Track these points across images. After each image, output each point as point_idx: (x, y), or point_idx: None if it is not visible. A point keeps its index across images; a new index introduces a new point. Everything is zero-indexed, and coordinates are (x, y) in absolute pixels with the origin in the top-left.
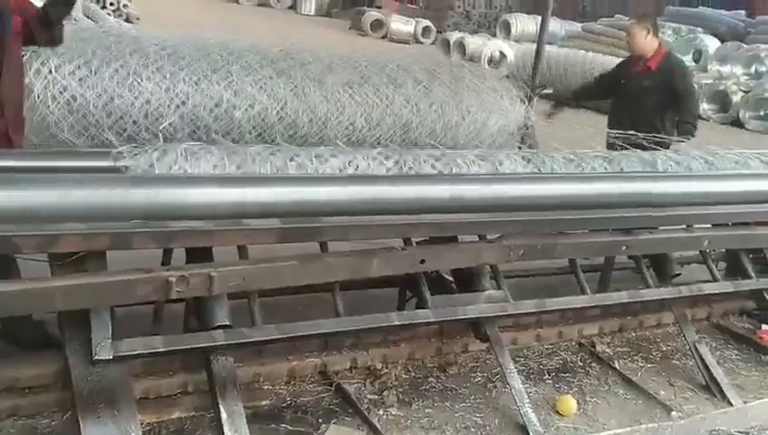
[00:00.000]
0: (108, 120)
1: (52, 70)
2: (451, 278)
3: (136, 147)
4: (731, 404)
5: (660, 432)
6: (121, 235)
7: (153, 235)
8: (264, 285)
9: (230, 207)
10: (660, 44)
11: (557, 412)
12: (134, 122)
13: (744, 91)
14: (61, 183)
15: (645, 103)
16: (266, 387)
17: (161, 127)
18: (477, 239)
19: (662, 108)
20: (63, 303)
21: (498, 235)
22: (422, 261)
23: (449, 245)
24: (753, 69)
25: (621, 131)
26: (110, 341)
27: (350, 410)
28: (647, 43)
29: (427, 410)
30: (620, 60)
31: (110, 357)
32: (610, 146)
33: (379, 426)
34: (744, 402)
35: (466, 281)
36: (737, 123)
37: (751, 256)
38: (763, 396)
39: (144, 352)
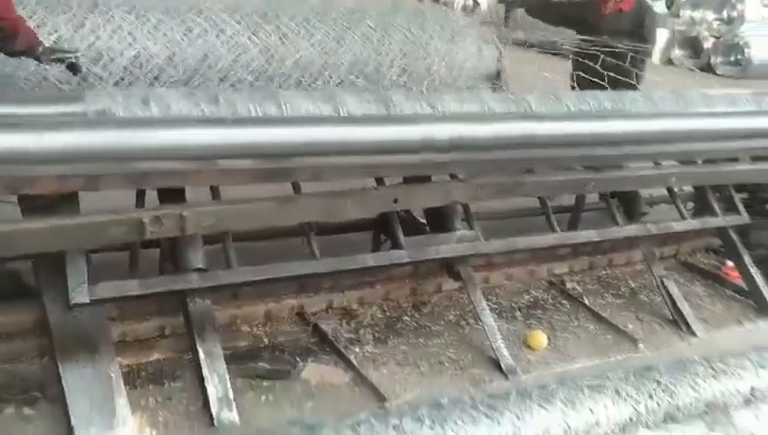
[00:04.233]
0: None
1: None
2: (424, 220)
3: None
4: (696, 336)
5: (628, 364)
6: (93, 176)
7: (124, 176)
8: (238, 226)
9: (202, 149)
10: None
11: (528, 347)
12: None
13: (716, 37)
14: (31, 126)
15: (614, 44)
16: (244, 329)
17: None
18: (449, 179)
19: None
20: (36, 245)
21: (469, 174)
22: (395, 200)
23: (421, 184)
24: (724, 14)
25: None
26: (87, 285)
27: (327, 349)
28: None
29: (402, 347)
30: None
31: (87, 301)
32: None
33: (355, 363)
34: (709, 334)
35: (439, 222)
36: (709, 69)
37: (717, 194)
38: (727, 327)
39: (120, 295)
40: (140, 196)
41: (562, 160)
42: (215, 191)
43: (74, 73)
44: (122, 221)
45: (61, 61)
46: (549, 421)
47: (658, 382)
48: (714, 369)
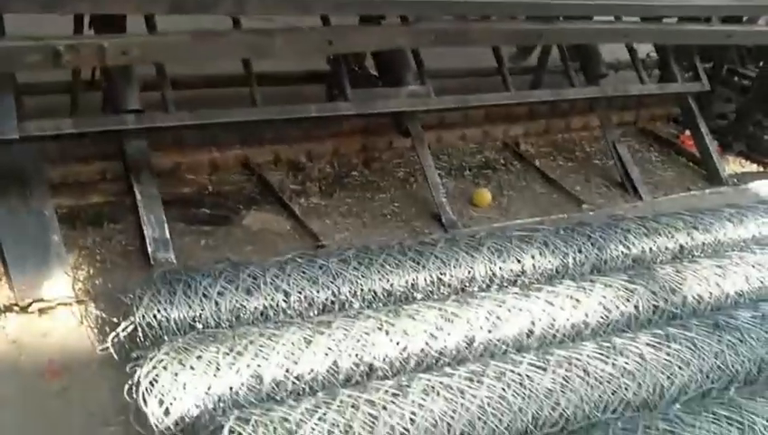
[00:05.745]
0: None
1: None
2: (377, 75)
3: None
4: (641, 199)
5: (568, 221)
6: None
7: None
8: (161, 59)
9: None
10: None
11: (473, 204)
12: None
13: None
14: None
15: None
16: (188, 177)
17: None
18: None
19: None
20: None
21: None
22: (330, 42)
23: (358, 26)
24: None
25: None
26: (16, 121)
27: (271, 199)
28: None
29: (347, 200)
30: None
31: (16, 137)
32: None
33: (298, 212)
34: (654, 198)
35: (392, 78)
36: None
37: (685, 63)
38: (674, 193)
39: (52, 133)
40: (78, 29)
41: (513, 8)
42: (151, 26)
43: None
44: (38, 48)
45: None
46: (474, 268)
47: (589, 237)
48: (646, 227)
